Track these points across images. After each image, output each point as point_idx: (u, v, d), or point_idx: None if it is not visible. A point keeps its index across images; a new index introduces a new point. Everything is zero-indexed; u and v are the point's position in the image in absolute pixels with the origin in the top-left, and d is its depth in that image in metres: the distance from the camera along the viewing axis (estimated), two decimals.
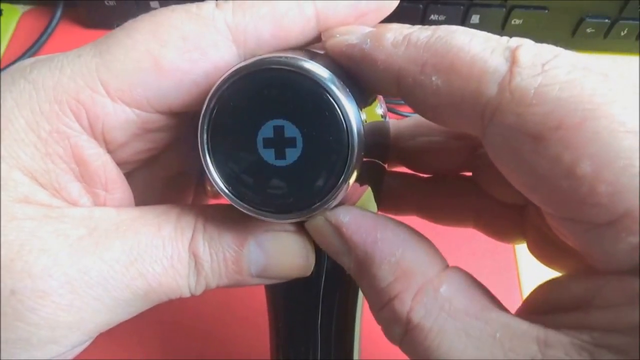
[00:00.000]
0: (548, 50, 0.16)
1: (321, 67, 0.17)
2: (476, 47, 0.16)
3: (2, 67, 0.46)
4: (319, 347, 0.24)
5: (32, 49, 0.47)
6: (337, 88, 0.17)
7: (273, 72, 0.17)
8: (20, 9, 0.51)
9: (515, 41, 0.16)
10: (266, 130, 0.17)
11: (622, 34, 0.47)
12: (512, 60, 0.15)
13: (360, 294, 0.24)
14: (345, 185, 0.17)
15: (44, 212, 0.18)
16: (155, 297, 0.19)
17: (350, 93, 0.17)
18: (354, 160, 0.17)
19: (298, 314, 0.25)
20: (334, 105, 0.17)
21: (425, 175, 0.27)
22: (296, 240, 0.20)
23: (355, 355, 0.25)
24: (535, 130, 0.15)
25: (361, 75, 0.18)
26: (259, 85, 0.17)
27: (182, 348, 0.36)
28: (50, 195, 0.19)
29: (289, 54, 0.17)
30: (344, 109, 0.17)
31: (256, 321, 0.29)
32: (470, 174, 0.26)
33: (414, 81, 0.17)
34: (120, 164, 0.21)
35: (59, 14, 0.48)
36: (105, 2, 0.46)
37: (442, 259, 0.19)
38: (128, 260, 0.18)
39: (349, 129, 0.17)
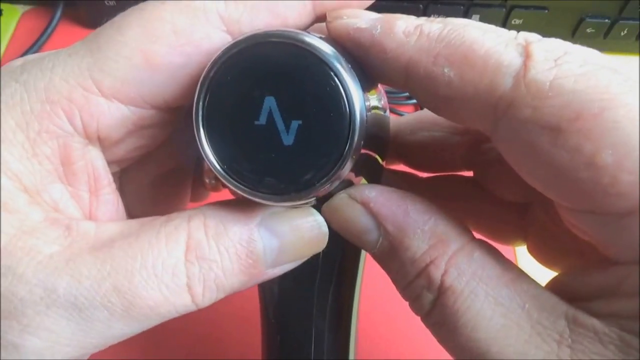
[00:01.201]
0: (559, 46, 0.16)
1: (324, 43, 0.16)
2: (490, 40, 0.16)
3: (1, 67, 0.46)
4: (313, 346, 0.24)
5: (32, 49, 0.47)
6: (341, 65, 0.16)
7: (272, 46, 0.16)
8: (20, 9, 0.51)
9: (524, 35, 0.16)
10: (263, 109, 0.17)
11: (622, 34, 0.47)
12: (526, 55, 0.16)
13: (357, 292, 0.24)
14: (344, 169, 0.17)
15: (18, 226, 0.17)
16: (141, 317, 0.17)
17: (354, 74, 0.16)
18: (355, 141, 0.16)
19: (291, 312, 0.24)
20: (336, 83, 0.16)
21: (425, 176, 0.27)
22: (304, 213, 0.19)
23: (351, 355, 0.25)
24: (552, 122, 0.15)
25: (364, 62, 0.18)
26: (257, 60, 0.16)
27: (173, 348, 0.35)
28: (31, 202, 0.18)
29: (289, 29, 0.17)
30: (347, 87, 0.16)
31: (248, 319, 0.29)
32: (470, 174, 0.25)
33: (425, 72, 0.17)
34: (114, 162, 0.20)
35: (59, 14, 0.48)
36: (105, 2, 0.46)
37: (470, 230, 0.19)
38: (100, 275, 0.17)
39: (351, 109, 0.16)
